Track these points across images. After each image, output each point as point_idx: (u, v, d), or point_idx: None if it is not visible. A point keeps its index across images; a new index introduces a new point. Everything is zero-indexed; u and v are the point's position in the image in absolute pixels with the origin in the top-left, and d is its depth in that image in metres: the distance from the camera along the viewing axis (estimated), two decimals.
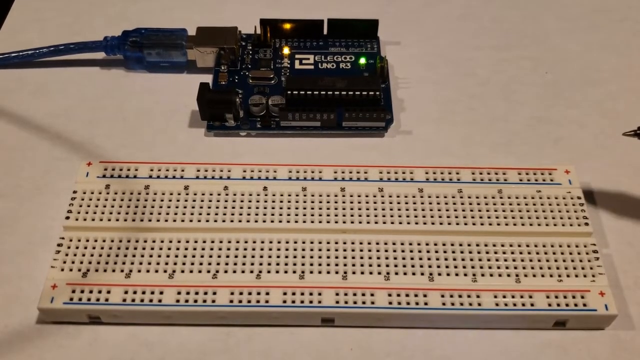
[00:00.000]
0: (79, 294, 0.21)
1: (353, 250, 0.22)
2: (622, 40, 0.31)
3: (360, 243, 0.22)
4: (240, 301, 0.21)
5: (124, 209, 0.23)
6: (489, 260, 0.22)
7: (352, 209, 0.23)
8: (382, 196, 0.23)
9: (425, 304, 0.21)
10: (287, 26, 0.29)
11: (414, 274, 0.22)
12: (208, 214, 0.23)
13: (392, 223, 0.23)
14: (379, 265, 0.22)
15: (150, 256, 0.22)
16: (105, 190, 0.23)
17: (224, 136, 0.27)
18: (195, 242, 0.22)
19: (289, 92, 0.26)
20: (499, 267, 0.22)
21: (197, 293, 0.21)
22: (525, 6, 0.33)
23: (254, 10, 0.31)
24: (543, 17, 0.32)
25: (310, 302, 0.21)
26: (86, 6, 0.32)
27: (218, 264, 0.22)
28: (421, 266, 0.22)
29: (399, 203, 0.23)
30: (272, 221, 0.23)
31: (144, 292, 0.21)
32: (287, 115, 0.26)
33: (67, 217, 0.23)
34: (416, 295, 0.21)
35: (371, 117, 0.26)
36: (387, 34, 0.31)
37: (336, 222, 0.23)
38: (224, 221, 0.23)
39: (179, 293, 0.21)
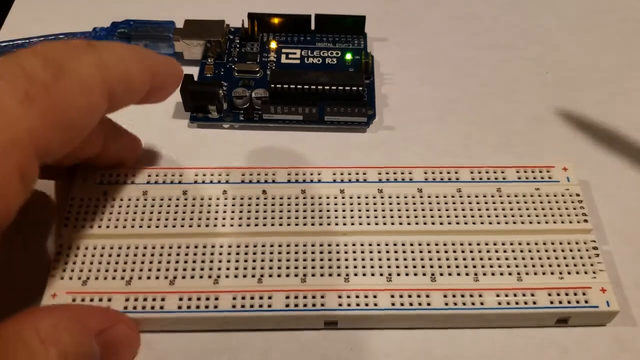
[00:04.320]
0: (79, 302, 0.22)
1: (354, 252, 0.23)
2: (622, 40, 0.32)
3: (361, 245, 0.23)
4: (242, 306, 0.22)
5: (122, 215, 0.24)
6: (490, 259, 0.23)
7: (352, 210, 0.24)
8: (382, 197, 0.24)
9: (428, 304, 0.22)
10: (275, 20, 0.30)
11: (415, 274, 0.23)
12: (207, 219, 0.24)
13: (393, 224, 0.24)
14: (380, 267, 0.23)
15: (151, 262, 0.23)
16: (103, 196, 0.24)
17: (207, 127, 0.28)
18: (196, 247, 0.23)
19: (272, 85, 0.28)
20: (500, 266, 0.23)
21: (198, 299, 0.22)
22: (525, 6, 0.34)
23: (245, 4, 0.31)
24: (543, 17, 0.33)
25: (313, 305, 0.22)
26: (87, 7, 0.33)
27: (219, 269, 0.23)
28: (423, 267, 0.23)
29: (398, 204, 0.24)
30: (272, 224, 0.24)
31: (145, 299, 0.22)
32: (269, 108, 0.28)
33: (65, 225, 0.24)
34: (419, 296, 0.22)
35: (352, 112, 0.28)
36: (388, 33, 0.32)
37: (336, 224, 0.24)
38: (223, 225, 0.24)
39: (180, 299, 0.22)
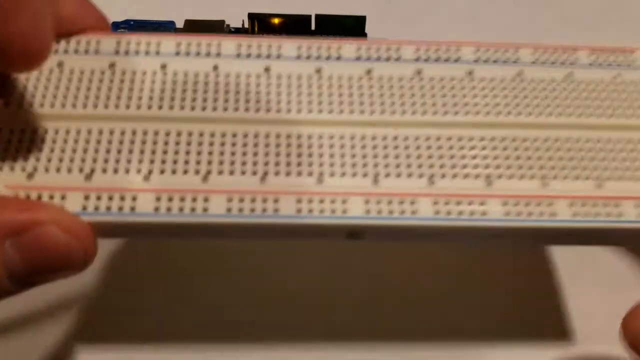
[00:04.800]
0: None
1: (386, 148, 0.18)
2: (623, 41, 0.31)
3: (395, 138, 0.18)
4: (240, 210, 0.17)
5: (82, 92, 0.18)
6: (561, 159, 0.18)
7: (382, 95, 0.19)
8: (421, 79, 0.19)
9: (483, 213, 0.17)
10: (275, 21, 0.29)
11: (466, 176, 0.18)
12: (194, 100, 0.18)
13: (435, 113, 0.19)
14: (420, 166, 0.18)
15: (119, 152, 0.17)
16: (58, 69, 0.19)
17: None
18: (179, 134, 0.18)
19: None
20: (574, 168, 0.18)
21: (182, 199, 0.17)
22: (527, 6, 0.33)
23: (245, 4, 0.30)
24: (546, 17, 0.32)
25: (333, 211, 0.17)
26: None
27: (210, 162, 0.17)
28: (475, 167, 0.18)
29: (442, 88, 0.19)
30: (277, 111, 0.18)
31: (110, 198, 0.17)
32: None
33: (7, 103, 0.18)
34: (470, 203, 0.17)
35: None
36: (388, 33, 0.29)
37: (362, 112, 0.19)
38: (214, 109, 0.18)
39: (158, 199, 0.17)
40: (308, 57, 0.19)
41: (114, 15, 0.28)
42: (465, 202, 0.17)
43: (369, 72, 0.19)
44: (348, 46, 0.20)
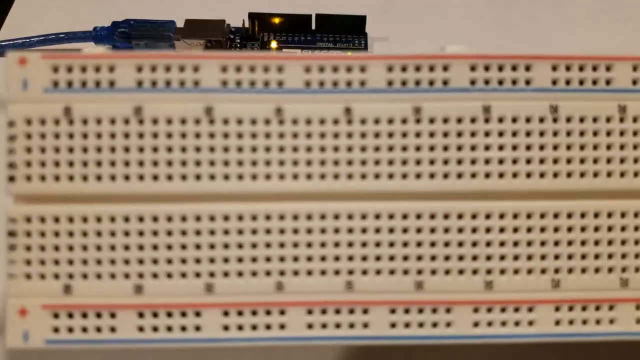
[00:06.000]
0: (66, 320, 0.14)
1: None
2: (623, 41, 0.31)
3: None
4: (324, 326, 0.14)
5: (106, 156, 0.14)
6: None
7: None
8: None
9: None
10: (276, 20, 0.30)
11: (598, 270, 0.15)
12: (255, 164, 0.14)
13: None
14: (544, 259, 0.15)
15: (169, 248, 0.14)
16: (66, 117, 0.14)
17: None
18: (254, 218, 0.14)
19: None
20: None
21: (268, 312, 0.14)
22: (526, 6, 0.33)
23: (245, 3, 0.30)
24: (544, 17, 0.32)
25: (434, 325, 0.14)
26: (88, 6, 0.32)
27: (282, 259, 0.14)
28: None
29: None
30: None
31: (169, 315, 0.14)
32: None
33: (11, 178, 0.14)
34: (598, 309, 0.15)
35: None
36: (389, 32, 0.31)
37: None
38: (281, 178, 0.14)
39: (225, 314, 0.14)
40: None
41: (115, 14, 0.29)
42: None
43: None
44: None
